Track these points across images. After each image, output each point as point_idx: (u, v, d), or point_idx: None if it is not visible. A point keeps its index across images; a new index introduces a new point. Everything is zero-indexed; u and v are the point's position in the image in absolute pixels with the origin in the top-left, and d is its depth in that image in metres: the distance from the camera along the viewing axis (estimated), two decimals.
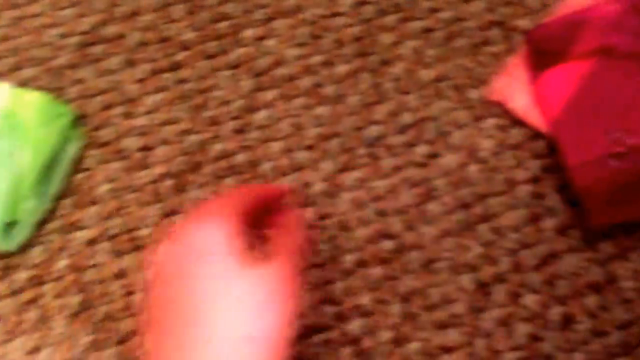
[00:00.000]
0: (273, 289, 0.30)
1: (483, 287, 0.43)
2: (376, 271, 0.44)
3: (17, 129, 0.44)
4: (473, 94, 0.48)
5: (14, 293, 0.43)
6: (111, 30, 0.51)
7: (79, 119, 0.47)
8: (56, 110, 0.46)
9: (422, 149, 0.47)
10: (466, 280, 0.43)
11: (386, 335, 0.42)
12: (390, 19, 0.51)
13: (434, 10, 0.52)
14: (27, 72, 0.49)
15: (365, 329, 0.42)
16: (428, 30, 0.51)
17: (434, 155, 0.47)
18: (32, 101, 0.45)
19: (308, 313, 0.42)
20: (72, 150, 0.46)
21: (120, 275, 0.43)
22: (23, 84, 0.48)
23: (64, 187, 0.46)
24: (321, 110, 0.48)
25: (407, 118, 0.48)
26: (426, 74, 0.49)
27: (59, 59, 0.50)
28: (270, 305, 0.30)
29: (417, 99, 0.48)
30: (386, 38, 0.50)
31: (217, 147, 0.47)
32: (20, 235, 0.44)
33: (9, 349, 0.42)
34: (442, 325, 0.42)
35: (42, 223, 0.45)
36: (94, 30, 0.51)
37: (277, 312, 0.30)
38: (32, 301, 0.43)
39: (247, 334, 0.30)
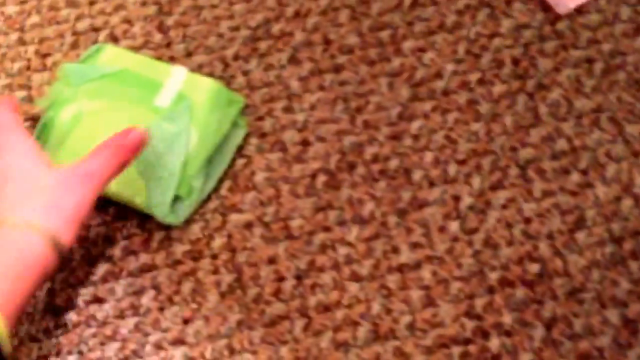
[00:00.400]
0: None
1: (629, 324, 0.43)
2: (520, 292, 0.44)
3: (190, 111, 0.47)
4: (631, 129, 0.49)
5: (172, 264, 0.46)
6: (279, 27, 0.54)
7: (244, 108, 0.51)
8: (228, 98, 0.48)
9: (575, 177, 0.47)
10: (612, 314, 0.44)
11: (526, 357, 0.43)
12: (550, 45, 0.52)
13: (595, 42, 0.52)
14: (199, 59, 0.52)
15: (505, 349, 0.43)
16: (588, 61, 0.51)
17: (587, 185, 0.47)
18: (206, 86, 0.48)
19: (446, 324, 0.43)
20: (238, 137, 0.49)
21: (272, 260, 0.46)
22: (194, 69, 0.52)
23: (226, 170, 0.49)
24: (476, 126, 0.49)
25: (562, 145, 0.48)
26: (584, 104, 0.50)
27: (229, 49, 0.53)
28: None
29: (573, 128, 0.49)
30: (545, 63, 0.51)
31: (372, 150, 0.49)
32: (185, 211, 0.46)
33: (163, 316, 0.45)
34: (585, 356, 0.42)
35: (203, 202, 0.47)
36: (264, 26, 0.53)
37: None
38: (188, 274, 0.45)
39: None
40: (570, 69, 0.51)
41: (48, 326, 0.44)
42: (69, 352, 0.44)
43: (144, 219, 0.47)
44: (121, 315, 0.44)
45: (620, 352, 0.43)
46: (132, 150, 0.43)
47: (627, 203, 0.46)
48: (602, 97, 0.50)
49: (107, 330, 0.44)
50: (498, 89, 0.51)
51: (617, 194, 0.47)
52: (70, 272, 0.46)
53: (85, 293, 0.45)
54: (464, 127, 0.49)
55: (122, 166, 0.42)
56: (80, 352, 0.44)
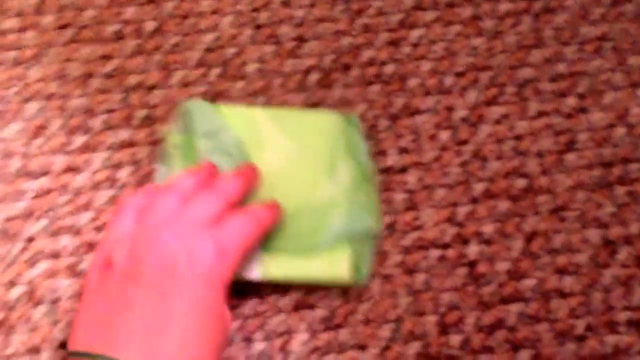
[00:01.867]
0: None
1: (609, 245, 0.45)
2: (503, 205, 0.45)
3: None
4: (633, 60, 0.49)
5: (153, 143, 0.46)
6: None
7: None
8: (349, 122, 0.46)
9: (571, 101, 0.48)
10: (593, 234, 0.45)
11: (503, 266, 0.44)
12: None
13: None
14: None
15: (483, 256, 0.44)
16: None
17: (582, 110, 0.48)
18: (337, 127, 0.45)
19: (426, 228, 0.44)
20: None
21: None
22: None
23: (216, 58, 0.48)
24: (477, 41, 0.50)
25: (562, 68, 0.49)
26: (588, 31, 0.50)
27: None
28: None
29: (575, 53, 0.50)
30: None
31: (369, 54, 0.49)
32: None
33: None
34: (561, 271, 0.44)
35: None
36: None
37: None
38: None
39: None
40: None
41: (21, 188, 0.44)
42: (40, 216, 0.44)
43: (126, 95, 0.47)
44: (96, 187, 0.45)
45: (596, 271, 0.44)
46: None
47: (620, 131, 0.48)
48: (608, 26, 0.51)
49: (82, 200, 0.45)
50: (504, 7, 0.51)
51: (611, 121, 0.48)
52: (46, 139, 0.46)
53: (61, 161, 0.45)
54: (465, 41, 0.50)
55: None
56: (52, 219, 0.44)
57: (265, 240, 0.42)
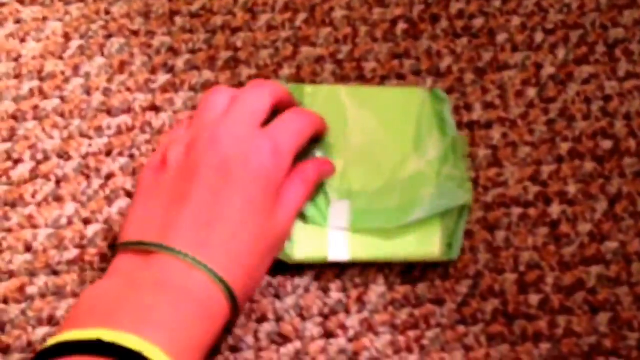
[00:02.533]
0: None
1: None
2: (589, 166, 0.45)
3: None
4: None
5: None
6: None
7: None
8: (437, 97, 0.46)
9: None
10: None
11: (586, 227, 0.44)
12: None
13: None
14: None
15: (566, 216, 0.44)
16: None
17: None
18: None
19: (509, 185, 0.44)
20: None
21: None
22: None
23: (302, 2, 0.48)
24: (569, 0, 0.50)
25: None
26: None
27: None
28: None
29: None
30: None
31: (458, 6, 0.49)
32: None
33: None
34: None
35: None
36: None
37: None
38: None
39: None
40: None
41: (101, 125, 0.45)
42: (120, 154, 0.45)
43: (211, 36, 0.47)
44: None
45: None
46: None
47: None
48: None
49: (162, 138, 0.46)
50: None
51: None
52: (129, 76, 0.46)
53: (142, 99, 0.46)
54: None
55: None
56: (132, 156, 0.45)
57: (354, 218, 0.42)
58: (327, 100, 0.44)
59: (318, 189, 0.43)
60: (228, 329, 0.41)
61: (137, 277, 0.34)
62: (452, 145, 0.44)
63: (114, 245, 0.34)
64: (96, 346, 0.31)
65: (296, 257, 0.41)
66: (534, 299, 0.43)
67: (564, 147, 0.46)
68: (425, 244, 0.42)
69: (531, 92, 0.47)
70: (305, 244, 0.42)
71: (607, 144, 0.46)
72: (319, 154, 0.44)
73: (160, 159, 0.38)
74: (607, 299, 0.43)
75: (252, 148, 0.37)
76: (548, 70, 0.47)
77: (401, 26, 0.48)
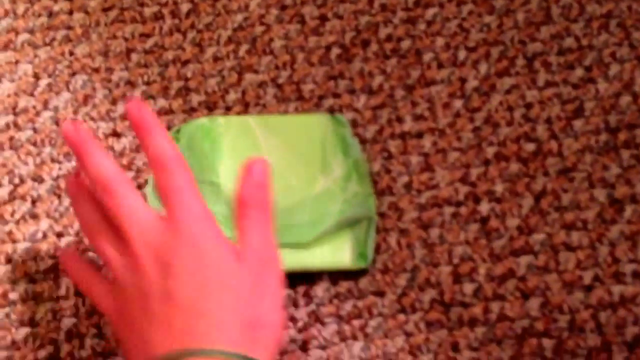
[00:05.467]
0: (263, 276, 0.37)
1: (616, 203, 0.50)
2: (514, 166, 0.51)
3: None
4: (638, 35, 0.55)
5: (188, 111, 0.52)
6: None
7: None
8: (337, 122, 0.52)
9: (579, 72, 0.54)
10: (600, 193, 0.50)
11: (513, 222, 0.49)
12: None
13: None
14: None
15: (495, 212, 0.49)
16: None
17: (589, 80, 0.54)
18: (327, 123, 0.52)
19: (441, 187, 0.50)
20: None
21: None
22: None
23: (244, 35, 0.55)
24: (488, 19, 0.56)
25: (569, 42, 0.55)
26: (595, 8, 0.57)
27: None
28: (265, 290, 0.37)
29: (582, 29, 0.56)
30: None
31: (387, 31, 0.56)
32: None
33: None
34: (569, 226, 0.49)
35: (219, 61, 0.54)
36: None
37: (272, 296, 0.37)
38: None
39: (249, 318, 0.36)
40: None
41: (69, 151, 0.51)
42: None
43: (164, 69, 0.54)
44: (137, 149, 0.52)
45: (604, 226, 0.49)
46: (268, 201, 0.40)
47: (626, 99, 0.53)
48: (614, 4, 0.56)
49: (124, 161, 0.51)
50: None
51: (617, 91, 0.53)
52: (92, 107, 0.52)
53: (105, 127, 0.52)
54: (477, 19, 0.56)
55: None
56: None
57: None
58: (239, 129, 0.51)
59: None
60: None
61: None
62: (354, 165, 0.50)
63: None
64: None
65: None
66: (468, 287, 0.47)
67: (490, 151, 0.51)
68: (337, 254, 0.48)
69: (457, 104, 0.53)
70: None
71: (530, 147, 0.52)
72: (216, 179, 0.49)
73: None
74: (537, 286, 0.47)
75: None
76: (472, 83, 0.54)
77: (335, 51, 0.55)
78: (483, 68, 0.54)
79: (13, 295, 0.47)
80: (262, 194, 0.39)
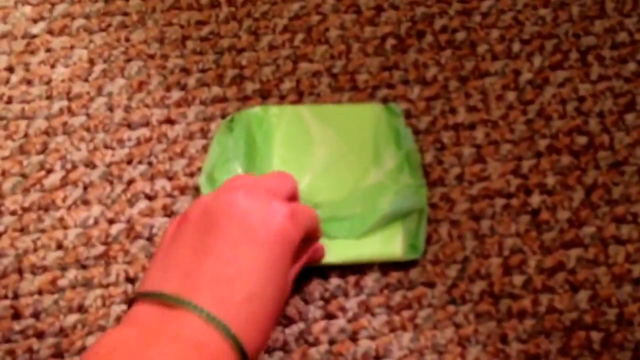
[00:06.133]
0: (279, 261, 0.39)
1: None
2: (566, 159, 0.52)
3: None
4: None
5: (242, 99, 0.54)
6: None
7: None
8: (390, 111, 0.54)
9: (631, 66, 0.55)
10: None
11: (564, 214, 0.51)
12: None
13: None
14: None
15: (546, 205, 0.51)
16: None
17: None
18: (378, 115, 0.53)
19: (492, 179, 0.51)
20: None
21: None
22: None
23: (300, 24, 0.56)
24: (543, 12, 0.57)
25: (623, 37, 0.56)
26: None
27: None
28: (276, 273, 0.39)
29: (636, 24, 0.57)
30: None
31: (442, 22, 0.57)
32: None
33: None
34: (619, 219, 0.50)
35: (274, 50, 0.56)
36: None
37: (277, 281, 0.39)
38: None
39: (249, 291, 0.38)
40: None
41: (122, 137, 0.53)
42: (140, 162, 0.53)
43: (219, 57, 0.55)
44: (190, 137, 0.53)
45: None
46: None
47: None
48: None
49: (177, 148, 0.53)
50: None
51: None
52: (146, 94, 0.54)
53: (159, 114, 0.54)
54: (532, 11, 0.57)
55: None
56: (150, 163, 0.53)
57: (322, 226, 0.49)
58: (292, 119, 0.52)
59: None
60: None
61: (153, 329, 0.37)
62: (407, 156, 0.51)
63: (132, 299, 0.38)
64: None
65: None
66: (518, 279, 0.49)
67: (542, 144, 0.53)
68: (388, 246, 0.49)
69: (510, 96, 0.54)
70: None
71: (582, 140, 0.53)
72: (280, 168, 0.51)
73: (184, 214, 0.42)
74: (587, 279, 0.49)
75: (272, 208, 0.40)
76: (526, 76, 0.55)
77: (390, 42, 0.56)
78: (537, 61, 0.55)
79: (62, 282, 0.49)
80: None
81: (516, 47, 0.56)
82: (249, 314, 0.37)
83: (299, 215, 0.41)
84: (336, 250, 0.48)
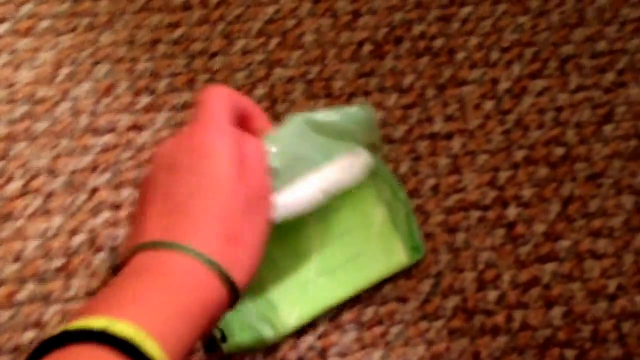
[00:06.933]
0: (255, 199, 0.39)
1: None
2: (543, 171, 0.52)
3: None
4: None
5: None
6: None
7: None
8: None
9: (610, 76, 0.55)
10: (627, 200, 0.51)
11: (540, 227, 0.50)
12: None
13: None
14: None
15: (521, 218, 0.51)
16: None
17: (621, 84, 0.55)
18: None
19: (468, 190, 0.51)
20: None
21: None
22: None
23: (274, 28, 0.55)
24: (523, 19, 0.57)
25: (602, 46, 0.56)
26: (629, 12, 0.57)
27: None
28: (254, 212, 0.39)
29: (616, 32, 0.56)
30: None
31: (420, 28, 0.56)
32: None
33: None
34: (595, 233, 0.50)
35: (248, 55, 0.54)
36: None
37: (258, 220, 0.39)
38: None
39: (231, 231, 0.38)
40: None
41: (87, 144, 0.52)
42: (105, 170, 0.52)
43: (190, 61, 0.54)
44: (158, 144, 0.52)
45: (629, 234, 0.50)
46: None
47: None
48: None
49: (144, 156, 0.52)
50: None
51: None
52: (113, 98, 0.53)
53: (126, 119, 0.53)
54: (511, 19, 0.57)
55: None
56: (115, 172, 0.52)
57: (320, 266, 0.48)
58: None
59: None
60: None
61: (142, 270, 0.37)
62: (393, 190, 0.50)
63: (116, 267, 0.38)
64: (87, 334, 0.34)
65: (292, 324, 0.46)
66: (492, 295, 0.49)
67: (519, 155, 0.52)
68: (392, 257, 0.48)
69: (488, 105, 0.54)
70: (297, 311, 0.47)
71: (559, 151, 0.53)
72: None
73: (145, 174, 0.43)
74: (561, 294, 0.49)
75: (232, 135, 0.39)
76: (504, 84, 0.55)
77: (367, 48, 0.56)
78: (516, 69, 0.55)
79: (20, 296, 0.48)
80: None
81: (495, 55, 0.55)
82: (216, 231, 0.37)
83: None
84: (344, 282, 0.47)
